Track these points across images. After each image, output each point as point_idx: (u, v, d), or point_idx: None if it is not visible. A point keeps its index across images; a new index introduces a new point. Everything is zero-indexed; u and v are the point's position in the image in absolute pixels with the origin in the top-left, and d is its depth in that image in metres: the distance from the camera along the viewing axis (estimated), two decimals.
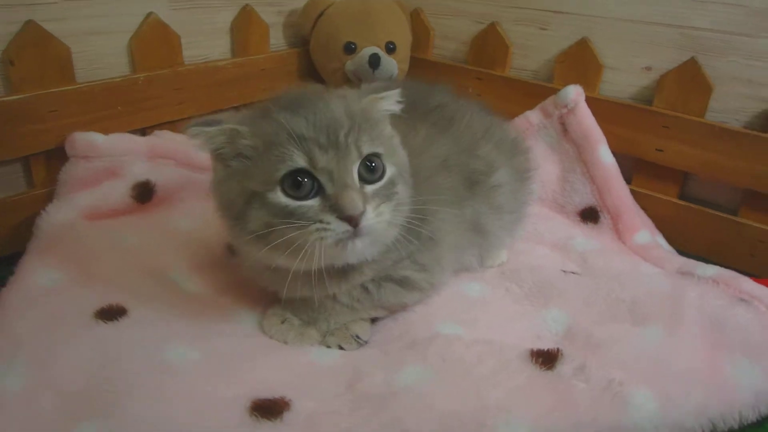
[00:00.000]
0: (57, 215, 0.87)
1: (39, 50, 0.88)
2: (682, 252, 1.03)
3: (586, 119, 1.10)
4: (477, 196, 0.82)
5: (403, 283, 0.75)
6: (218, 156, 0.63)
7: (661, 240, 1.06)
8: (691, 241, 1.08)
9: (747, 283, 0.83)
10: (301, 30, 1.30)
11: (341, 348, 0.73)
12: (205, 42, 1.14)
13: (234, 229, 0.64)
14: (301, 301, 0.73)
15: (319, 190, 0.60)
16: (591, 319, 0.79)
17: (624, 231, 1.05)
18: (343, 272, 0.70)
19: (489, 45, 1.29)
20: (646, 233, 1.05)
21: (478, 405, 0.63)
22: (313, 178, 0.59)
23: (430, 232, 0.74)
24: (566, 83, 1.17)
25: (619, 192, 1.06)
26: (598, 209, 1.08)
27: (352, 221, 0.58)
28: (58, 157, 0.94)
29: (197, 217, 0.94)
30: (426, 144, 0.79)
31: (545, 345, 0.74)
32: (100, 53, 0.98)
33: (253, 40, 1.22)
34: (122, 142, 0.95)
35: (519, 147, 0.95)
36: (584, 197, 1.09)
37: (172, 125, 1.10)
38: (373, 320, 0.78)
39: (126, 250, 0.82)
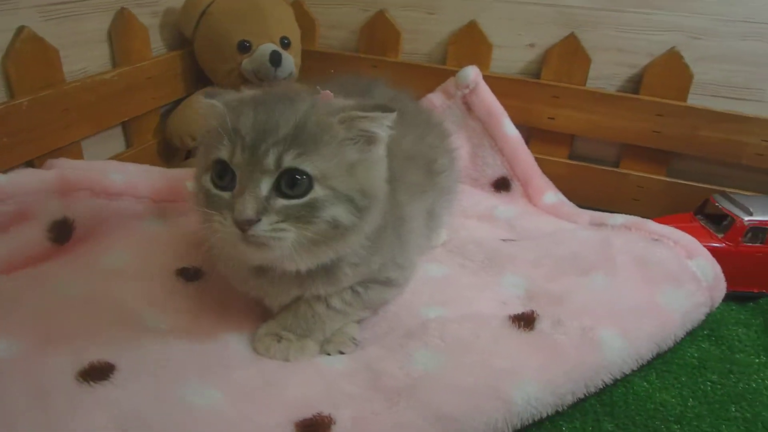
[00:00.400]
0: None
1: None
2: (578, 205, 1.16)
3: (487, 97, 1.18)
4: (432, 184, 0.85)
5: (387, 282, 0.76)
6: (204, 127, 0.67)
7: (562, 197, 1.19)
8: (583, 194, 1.22)
9: (653, 225, 0.97)
10: (183, 30, 1.20)
11: (341, 353, 0.72)
12: (83, 53, 1.01)
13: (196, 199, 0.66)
14: (292, 315, 0.72)
15: (233, 186, 0.60)
16: (543, 277, 0.88)
17: (533, 194, 1.16)
18: (327, 275, 0.69)
19: (379, 32, 1.31)
20: (551, 193, 1.17)
21: (489, 374, 0.67)
22: (233, 173, 0.60)
23: (408, 233, 0.76)
24: (459, 63, 1.25)
25: (526, 160, 1.17)
26: (509, 178, 1.18)
27: (241, 224, 0.58)
28: None
29: (127, 249, 0.86)
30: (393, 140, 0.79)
31: (516, 309, 0.80)
32: None
33: (134, 47, 1.11)
34: (28, 178, 0.81)
35: (445, 129, 0.99)
36: (495, 169, 1.18)
37: (61, 152, 0.97)
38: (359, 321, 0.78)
39: (71, 300, 0.72)
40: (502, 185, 1.18)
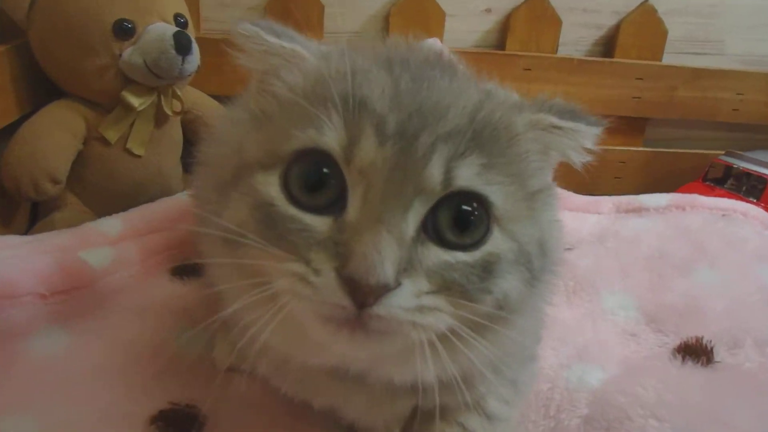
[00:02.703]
0: None
1: None
2: None
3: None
4: None
5: (532, 356, 0.50)
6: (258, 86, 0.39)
7: None
8: (560, 179, 1.05)
9: (706, 200, 0.85)
10: (11, 13, 0.75)
11: None
12: None
13: (204, 213, 0.38)
14: None
15: (342, 207, 0.33)
16: (647, 288, 0.71)
17: None
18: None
19: (292, 7, 0.99)
20: None
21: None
22: (343, 181, 0.34)
23: None
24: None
25: None
26: None
27: (358, 293, 0.31)
28: None
29: (30, 410, 0.45)
30: None
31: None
32: None
33: None
34: None
35: None
36: None
37: None
38: None
39: None
40: None
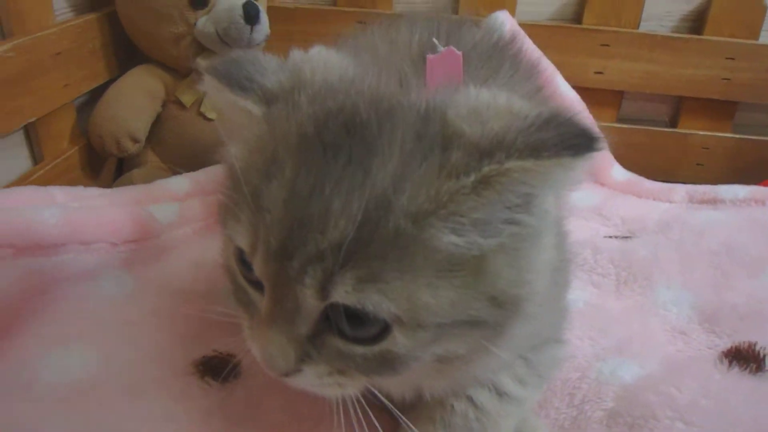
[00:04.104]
0: None
1: None
2: None
3: (531, 50, 0.90)
4: None
5: (559, 337, 0.50)
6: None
7: (628, 172, 0.96)
8: (637, 163, 1.00)
9: None
10: None
11: None
12: None
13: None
14: (440, 424, 0.43)
15: None
16: (708, 285, 0.67)
17: (600, 171, 0.94)
18: None
19: None
20: (617, 167, 0.95)
21: None
22: None
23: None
24: (476, 11, 0.98)
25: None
26: None
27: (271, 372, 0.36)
28: None
29: (93, 343, 0.51)
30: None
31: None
32: None
33: (32, 9, 0.71)
34: None
35: None
36: None
37: None
38: None
39: None
40: None
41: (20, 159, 0.74)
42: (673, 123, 1.04)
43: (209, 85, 0.38)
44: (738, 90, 0.97)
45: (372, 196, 0.31)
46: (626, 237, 0.76)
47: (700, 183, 0.89)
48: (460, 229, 0.32)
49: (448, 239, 0.32)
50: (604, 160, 0.94)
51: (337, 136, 0.33)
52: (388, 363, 0.34)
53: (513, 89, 0.49)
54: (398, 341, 0.33)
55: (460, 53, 0.44)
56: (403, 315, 0.32)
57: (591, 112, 0.97)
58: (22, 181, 0.72)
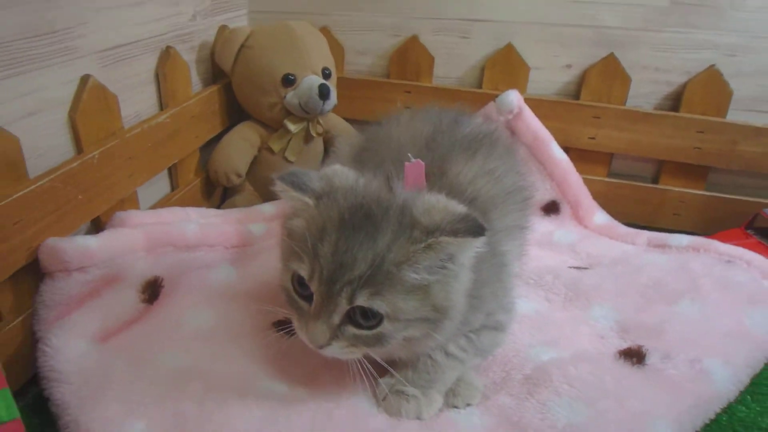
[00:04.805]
0: (67, 349, 0.68)
1: None
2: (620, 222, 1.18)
3: (532, 122, 1.19)
4: (526, 218, 0.85)
5: (497, 327, 0.76)
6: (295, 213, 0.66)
7: (609, 217, 1.21)
8: (623, 211, 1.24)
9: (720, 246, 0.99)
10: (222, 65, 1.16)
11: (468, 405, 0.71)
12: (134, 97, 0.96)
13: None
14: (411, 369, 0.70)
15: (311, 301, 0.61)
16: (631, 308, 0.89)
17: (584, 216, 1.18)
18: None
19: (411, 57, 1.30)
20: (600, 214, 1.19)
21: (627, 418, 0.67)
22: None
23: (508, 276, 0.76)
24: (495, 86, 1.26)
25: (576, 182, 1.18)
26: (559, 201, 1.19)
27: (313, 345, 0.61)
28: (24, 275, 0.73)
29: (213, 305, 0.82)
30: (487, 176, 0.78)
31: (619, 344, 0.81)
32: (42, 136, 0.77)
33: (179, 86, 1.06)
34: (118, 240, 0.76)
35: (518, 153, 0.98)
36: (545, 193, 1.19)
37: (122, 204, 0.92)
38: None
39: (179, 373, 0.68)
40: (551, 209, 1.19)
41: (163, 187, 1.08)
42: (655, 180, 1.27)
43: (280, 186, 0.62)
44: (707, 157, 1.19)
45: (376, 254, 0.57)
46: (584, 268, 1.01)
47: (678, 230, 1.11)
48: (418, 270, 0.58)
49: (412, 275, 0.57)
50: (589, 207, 1.19)
51: (360, 220, 0.58)
52: (379, 340, 0.60)
53: (485, 167, 0.78)
54: (386, 328, 0.59)
55: (423, 163, 0.68)
56: (390, 313, 0.58)
57: (585, 168, 1.25)
58: (164, 202, 1.06)
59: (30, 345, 0.72)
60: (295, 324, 0.63)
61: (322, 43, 1.20)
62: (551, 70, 1.25)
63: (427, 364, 0.70)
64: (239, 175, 1.16)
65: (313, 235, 0.59)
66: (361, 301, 0.58)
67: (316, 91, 1.11)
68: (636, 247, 1.08)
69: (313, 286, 0.59)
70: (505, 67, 1.25)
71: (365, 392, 0.69)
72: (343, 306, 0.58)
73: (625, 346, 0.80)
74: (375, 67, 1.35)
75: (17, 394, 0.70)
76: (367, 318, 0.59)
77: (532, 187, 0.91)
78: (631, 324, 0.85)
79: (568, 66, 1.24)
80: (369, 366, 0.64)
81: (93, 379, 0.66)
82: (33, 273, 0.74)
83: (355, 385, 0.68)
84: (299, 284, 0.61)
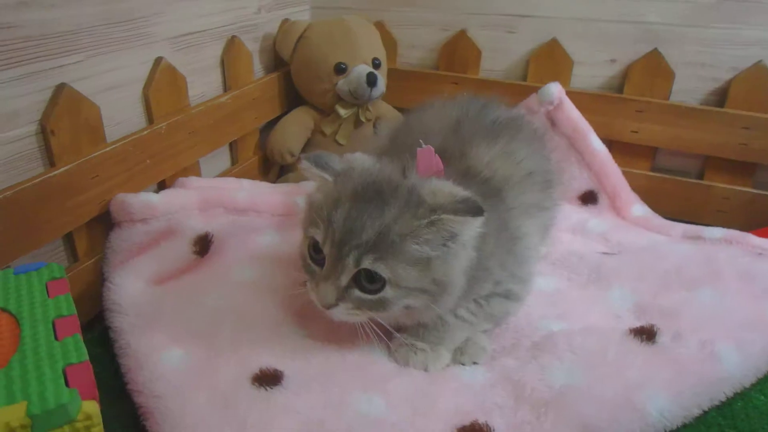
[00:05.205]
0: (127, 287, 0.80)
1: (72, 114, 0.79)
2: (662, 217, 1.19)
3: (572, 113, 1.22)
4: (550, 199, 0.90)
5: (508, 295, 0.81)
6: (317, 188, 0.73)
7: (648, 210, 1.22)
8: (666, 206, 1.24)
9: (754, 239, 0.99)
10: (282, 54, 1.27)
11: (475, 363, 0.77)
12: (201, 79, 1.08)
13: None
14: (423, 326, 0.77)
15: (323, 264, 0.67)
16: (650, 292, 0.90)
17: (621, 207, 1.19)
18: None
19: (459, 50, 1.36)
20: (638, 206, 1.20)
21: (624, 386, 0.70)
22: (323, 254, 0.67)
23: (524, 249, 0.81)
24: (540, 80, 1.30)
25: (615, 174, 1.20)
26: (597, 192, 1.21)
27: (322, 305, 0.67)
28: (97, 224, 0.87)
29: (256, 263, 0.91)
30: (506, 158, 0.83)
31: (632, 323, 0.84)
32: (119, 107, 0.90)
33: (241, 71, 1.18)
34: (176, 198, 0.89)
35: (547, 140, 1.02)
36: (582, 182, 1.22)
37: (185, 171, 1.04)
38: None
39: (221, 312, 0.78)
40: (589, 198, 1.21)
41: (224, 161, 1.21)
42: (700, 176, 1.27)
43: (305, 164, 0.69)
44: (754, 153, 1.18)
45: (383, 223, 0.62)
46: (611, 254, 1.03)
47: (723, 227, 1.09)
48: (420, 243, 0.63)
49: (414, 247, 0.63)
50: (627, 199, 1.20)
51: (371, 194, 0.64)
52: (381, 305, 0.65)
53: (505, 150, 0.84)
54: (388, 293, 0.64)
55: (432, 148, 0.70)
56: (391, 279, 0.63)
57: (628, 162, 1.26)
58: (225, 174, 1.18)
59: (99, 283, 0.85)
60: (309, 286, 0.70)
61: (373, 36, 1.29)
62: (594, 65, 1.27)
63: (437, 323, 0.77)
64: (293, 155, 1.27)
65: (328, 205, 0.66)
66: (367, 264, 0.63)
67: (364, 78, 1.20)
68: (668, 237, 1.08)
69: (326, 249, 0.65)
70: (549, 61, 1.29)
71: (379, 345, 0.77)
72: (350, 268, 0.64)
73: (638, 324, 0.83)
74: (425, 60, 1.42)
75: (86, 328, 0.82)
76: (371, 281, 0.64)
77: (558, 171, 0.95)
78: (647, 306, 0.87)
79: (612, 61, 1.26)
80: (377, 329, 0.69)
81: (145, 313, 0.77)
82: (104, 222, 0.88)
83: (368, 340, 0.75)
84: (314, 250, 0.68)
